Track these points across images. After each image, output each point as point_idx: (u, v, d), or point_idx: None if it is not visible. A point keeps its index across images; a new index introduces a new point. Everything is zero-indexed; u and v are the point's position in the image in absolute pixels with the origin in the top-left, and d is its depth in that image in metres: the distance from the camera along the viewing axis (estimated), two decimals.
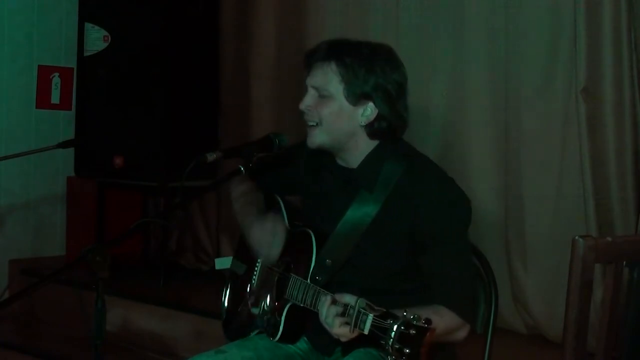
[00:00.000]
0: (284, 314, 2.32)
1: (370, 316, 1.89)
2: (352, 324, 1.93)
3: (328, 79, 2.25)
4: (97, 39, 4.59)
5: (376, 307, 1.91)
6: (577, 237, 1.91)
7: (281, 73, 4.44)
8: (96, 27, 4.59)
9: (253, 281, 2.52)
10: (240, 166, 2.30)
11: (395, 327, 1.82)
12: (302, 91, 2.35)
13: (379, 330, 1.86)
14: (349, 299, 1.99)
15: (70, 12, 4.90)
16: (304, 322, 2.35)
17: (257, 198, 2.60)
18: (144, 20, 4.49)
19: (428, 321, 1.82)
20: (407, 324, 1.81)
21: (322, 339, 2.36)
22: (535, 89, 3.56)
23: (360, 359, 2.24)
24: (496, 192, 3.71)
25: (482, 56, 3.72)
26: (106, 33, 4.56)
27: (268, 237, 2.38)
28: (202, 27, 4.68)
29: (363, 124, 2.27)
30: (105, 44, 4.56)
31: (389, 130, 2.28)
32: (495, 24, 3.67)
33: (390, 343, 1.82)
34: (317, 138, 2.30)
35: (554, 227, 3.52)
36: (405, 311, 1.84)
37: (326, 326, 2.03)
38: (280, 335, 2.34)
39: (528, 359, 3.47)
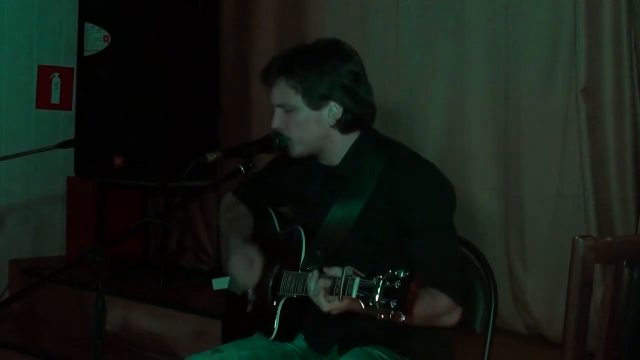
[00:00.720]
0: (278, 310, 2.33)
1: (357, 279, 1.91)
2: (341, 292, 1.94)
3: (285, 94, 2.30)
4: (97, 39, 4.59)
5: (362, 274, 1.92)
6: (577, 237, 1.91)
7: None
8: (96, 27, 4.59)
9: (250, 291, 2.53)
10: (240, 166, 2.30)
11: (380, 282, 1.84)
12: None
13: (366, 291, 1.87)
14: (336, 270, 2.00)
15: (70, 12, 4.90)
16: (299, 319, 2.35)
17: (242, 217, 2.61)
18: (144, 20, 4.49)
19: (411, 272, 1.84)
20: (391, 278, 1.83)
21: (318, 338, 2.37)
22: (535, 89, 3.56)
23: (357, 357, 2.24)
24: (496, 192, 3.71)
25: (482, 56, 3.71)
26: (106, 33, 4.57)
27: (245, 269, 2.40)
28: (202, 27, 4.68)
29: (332, 123, 2.30)
30: (105, 44, 4.56)
31: (358, 120, 2.31)
32: (495, 24, 3.67)
33: (377, 299, 1.83)
34: (295, 150, 2.34)
35: (554, 227, 3.52)
36: (390, 268, 1.85)
37: (314, 299, 2.04)
38: (276, 334, 2.34)
39: (528, 359, 3.47)
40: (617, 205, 3.34)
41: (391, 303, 1.81)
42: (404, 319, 1.82)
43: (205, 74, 4.69)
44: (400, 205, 2.23)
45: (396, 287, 1.82)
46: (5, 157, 3.82)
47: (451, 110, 3.83)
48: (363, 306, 1.88)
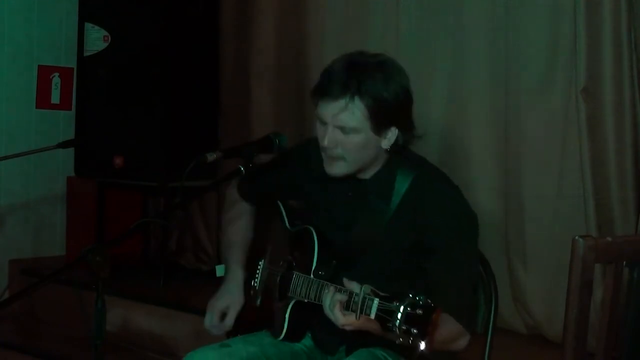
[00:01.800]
0: (288, 312, 2.33)
1: (377, 300, 1.89)
2: (358, 310, 1.92)
3: (354, 117, 2.19)
4: (97, 39, 4.59)
5: (381, 293, 1.90)
6: (577, 237, 1.91)
7: (281, 73, 4.44)
8: (96, 27, 4.59)
9: (255, 283, 2.53)
10: (240, 166, 2.30)
11: (401, 308, 1.81)
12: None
13: (386, 314, 1.85)
14: (354, 285, 1.98)
15: (70, 12, 4.90)
16: (308, 320, 2.35)
17: (244, 233, 2.62)
18: (144, 20, 4.49)
19: (434, 301, 1.82)
20: (413, 304, 1.81)
21: (326, 338, 2.37)
22: (535, 89, 3.56)
23: (364, 358, 2.24)
24: (496, 192, 3.71)
25: (482, 56, 3.71)
26: (106, 33, 4.56)
27: (216, 318, 2.48)
28: (202, 27, 4.68)
29: (386, 147, 2.26)
30: (105, 44, 4.56)
31: (408, 143, 2.29)
32: (495, 24, 3.66)
33: (397, 324, 1.81)
34: (340, 169, 2.27)
35: (554, 227, 3.51)
36: (411, 293, 1.83)
37: (330, 316, 2.02)
38: (285, 334, 2.34)
39: (528, 359, 3.47)
40: (617, 205, 3.34)
41: (412, 330, 1.79)
42: (423, 347, 1.80)
43: (205, 74, 4.69)
44: (422, 226, 2.22)
45: (417, 313, 1.80)
46: (5, 157, 3.83)
47: (451, 110, 3.83)
48: (381, 328, 1.86)
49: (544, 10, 3.54)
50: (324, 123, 2.24)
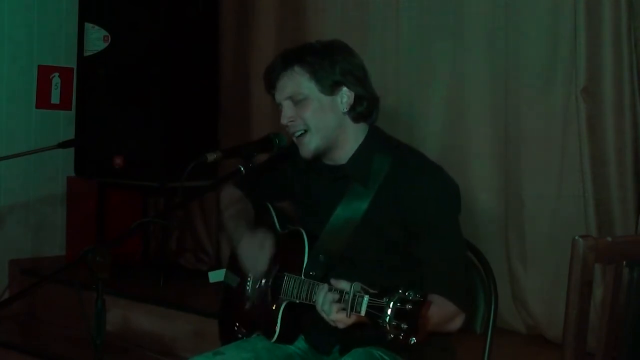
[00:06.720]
0: (280, 313, 2.33)
1: (366, 297, 1.91)
2: (349, 308, 1.94)
3: (298, 83, 2.27)
4: (97, 39, 4.59)
5: (371, 290, 1.92)
6: (577, 237, 1.90)
7: None
8: (96, 27, 4.60)
9: (247, 287, 2.53)
10: (240, 166, 2.30)
11: (391, 304, 1.83)
12: None
13: (376, 310, 1.87)
14: (344, 284, 2.00)
15: (70, 12, 4.91)
16: (301, 321, 2.35)
17: (246, 209, 2.61)
18: (144, 20, 4.49)
19: (423, 295, 1.83)
20: (403, 299, 1.82)
21: (320, 338, 2.37)
22: (535, 89, 3.56)
23: (359, 358, 2.24)
24: (496, 192, 3.71)
25: (482, 56, 3.71)
26: (106, 33, 4.57)
27: (255, 251, 2.39)
28: (202, 27, 4.68)
29: (345, 110, 2.29)
30: (105, 44, 4.57)
31: (368, 109, 2.31)
32: (495, 23, 3.67)
33: (387, 320, 1.83)
34: (311, 144, 2.30)
35: (554, 227, 3.52)
36: (400, 288, 1.85)
37: (323, 314, 2.04)
38: (277, 336, 2.34)
39: (528, 359, 3.47)
40: (617, 205, 3.34)
41: (402, 325, 1.81)
42: (414, 341, 1.81)
43: (205, 74, 4.69)
44: (406, 207, 2.22)
45: (407, 309, 1.81)
46: (5, 157, 3.83)
47: (451, 110, 3.83)
48: (372, 324, 1.88)
49: (544, 10, 3.54)
50: (281, 105, 2.32)
